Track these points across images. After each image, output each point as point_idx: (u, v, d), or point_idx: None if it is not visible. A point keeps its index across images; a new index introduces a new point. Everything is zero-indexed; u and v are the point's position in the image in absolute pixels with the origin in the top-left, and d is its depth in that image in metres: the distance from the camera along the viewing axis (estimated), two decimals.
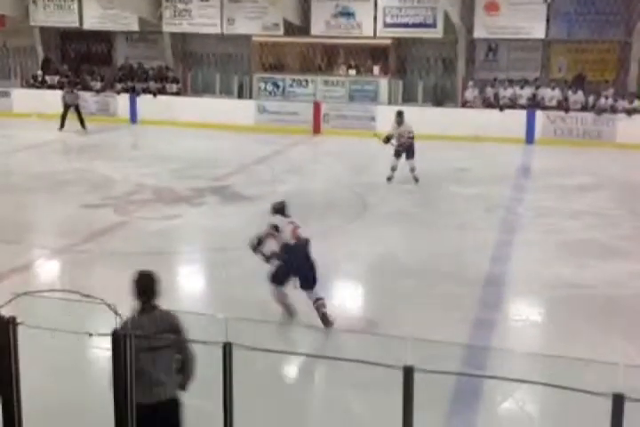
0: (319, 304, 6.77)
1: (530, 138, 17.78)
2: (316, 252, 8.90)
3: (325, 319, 6.71)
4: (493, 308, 7.38)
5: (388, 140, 12.91)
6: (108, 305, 4.45)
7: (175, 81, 21.17)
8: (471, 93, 19.01)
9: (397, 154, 12.92)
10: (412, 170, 12.87)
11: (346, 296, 7.97)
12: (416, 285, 7.87)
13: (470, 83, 19.29)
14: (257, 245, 6.92)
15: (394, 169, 12.92)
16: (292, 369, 6.24)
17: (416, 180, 12.85)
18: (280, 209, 7.11)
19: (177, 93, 20.84)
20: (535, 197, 12.28)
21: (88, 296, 4.85)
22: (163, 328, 4.17)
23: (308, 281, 6.83)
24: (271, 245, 6.94)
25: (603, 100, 17.68)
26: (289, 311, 6.92)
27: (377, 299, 7.79)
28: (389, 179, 12.95)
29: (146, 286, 4.29)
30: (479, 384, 5.58)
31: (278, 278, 6.84)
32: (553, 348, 6.15)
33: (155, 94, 20.39)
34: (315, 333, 6.68)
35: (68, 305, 6.41)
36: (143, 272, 4.38)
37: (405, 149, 12.86)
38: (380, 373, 3.71)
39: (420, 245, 9.36)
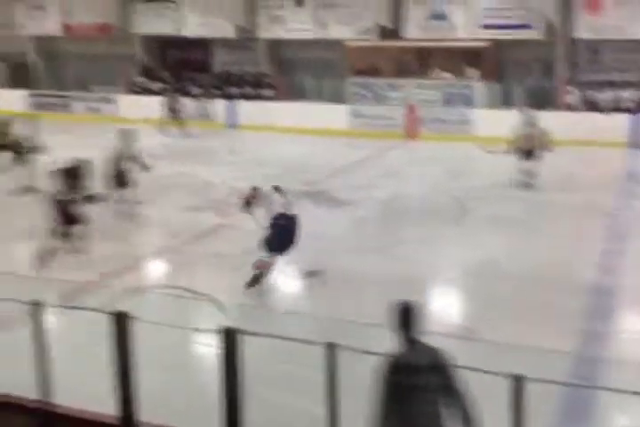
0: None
1: (636, 142, 17.07)
2: (415, 257, 8.87)
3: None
4: (600, 318, 7.10)
5: (512, 150, 12.50)
6: (215, 302, 4.54)
7: (270, 86, 21.50)
8: (572, 97, 18.44)
9: (522, 155, 12.52)
10: (530, 175, 12.49)
11: (445, 302, 7.85)
12: (518, 292, 7.66)
13: (571, 86, 18.70)
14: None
15: (523, 172, 12.62)
16: None
17: (528, 185, 12.45)
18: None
19: (272, 99, 21.14)
20: None
21: (196, 293, 4.99)
22: (427, 364, 3.78)
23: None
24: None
25: None
26: (258, 280, 7.39)
27: (477, 306, 7.63)
28: (525, 185, 12.58)
29: (408, 317, 3.91)
30: (588, 396, 5.36)
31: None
32: None
33: (252, 99, 20.75)
34: None
35: (177, 302, 6.63)
36: (405, 302, 3.99)
37: (527, 151, 12.44)
38: (478, 380, 3.62)
39: (522, 252, 9.11)
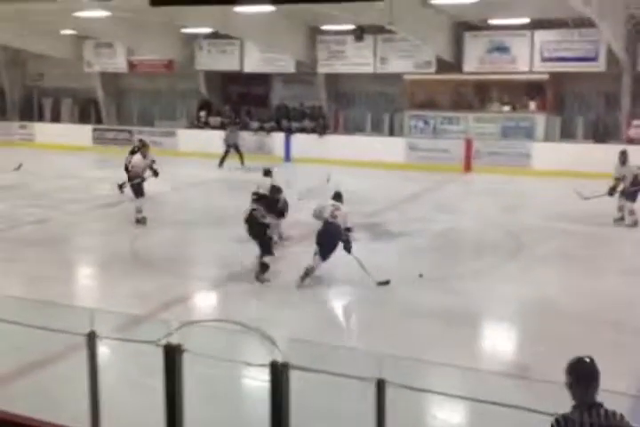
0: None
1: None
2: (468, 292, 8.77)
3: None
4: None
5: (612, 191, 12.44)
6: (267, 336, 4.57)
7: (328, 120, 21.77)
8: (636, 130, 18.08)
9: (622, 194, 12.44)
10: (631, 213, 12.31)
11: (499, 339, 7.71)
12: (576, 331, 7.45)
13: (635, 120, 18.35)
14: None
15: (621, 209, 12.49)
16: (444, 411, 6.07)
17: (634, 223, 12.25)
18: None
19: (329, 132, 21.36)
20: None
21: (248, 327, 5.02)
22: None
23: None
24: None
25: None
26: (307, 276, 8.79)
27: (532, 343, 7.45)
28: (618, 220, 12.49)
29: (589, 376, 3.47)
30: None
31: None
32: None
33: (317, 133, 21.01)
34: (467, 374, 6.49)
35: (229, 336, 6.69)
36: (585, 359, 3.57)
37: (629, 191, 12.36)
38: (530, 420, 3.54)
39: (580, 290, 8.89)
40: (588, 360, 3.55)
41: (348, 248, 8.98)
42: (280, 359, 4.35)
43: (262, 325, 4.62)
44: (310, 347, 6.43)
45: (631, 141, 18.05)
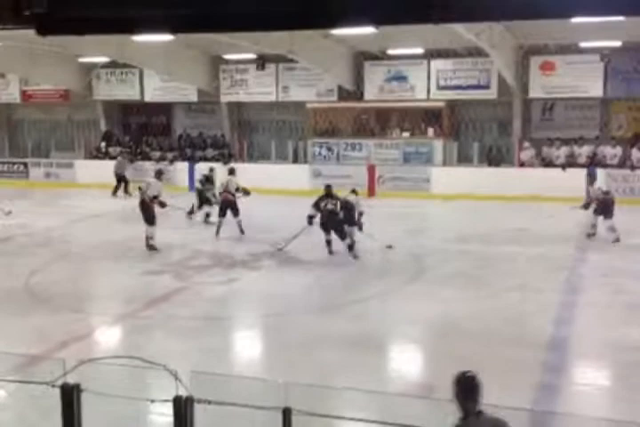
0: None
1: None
2: (374, 313, 8.89)
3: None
4: (558, 372, 7.11)
5: (587, 206, 13.36)
6: (170, 371, 4.48)
7: (231, 148, 21.75)
8: (527, 154, 18.93)
9: (596, 211, 13.16)
10: (611, 230, 12.91)
11: (405, 360, 7.82)
12: (476, 348, 7.67)
13: (526, 143, 19.23)
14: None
15: (594, 226, 13.26)
16: None
17: (617, 240, 12.82)
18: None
19: (233, 160, 21.25)
20: (599, 257, 11.98)
21: (150, 362, 4.91)
22: None
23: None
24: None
25: None
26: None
27: (436, 363, 7.60)
28: (589, 235, 13.27)
29: (472, 389, 3.95)
30: None
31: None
32: (620, 413, 5.89)
33: (220, 161, 20.87)
34: (371, 396, 6.54)
35: (131, 371, 6.51)
36: (468, 374, 4.07)
37: (601, 207, 13.07)
38: None
39: (480, 307, 9.17)
40: (470, 374, 4.03)
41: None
42: (184, 394, 4.27)
43: (165, 359, 4.54)
44: (214, 379, 6.33)
45: (522, 165, 18.88)
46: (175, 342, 8.03)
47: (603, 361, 7.54)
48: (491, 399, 6.16)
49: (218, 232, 13.95)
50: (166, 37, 14.06)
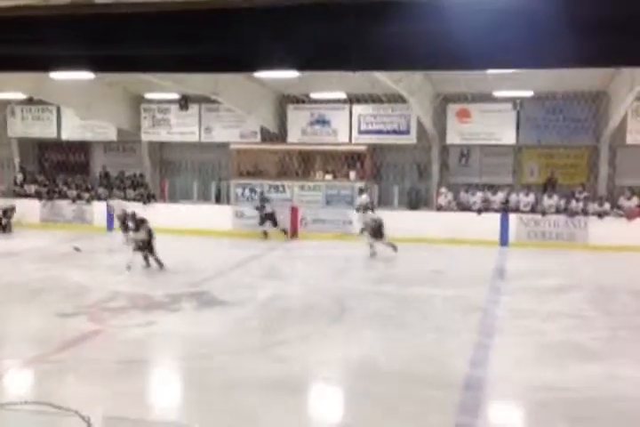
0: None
1: (504, 240, 18.10)
2: (294, 357, 8.88)
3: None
4: (473, 412, 7.23)
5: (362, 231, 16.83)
6: (82, 417, 4.35)
7: (148, 188, 21.50)
8: (444, 198, 19.46)
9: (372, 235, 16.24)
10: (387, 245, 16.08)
11: (324, 401, 7.80)
12: (394, 389, 7.73)
13: (443, 189, 19.77)
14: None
15: (372, 246, 16.17)
16: None
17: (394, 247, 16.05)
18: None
19: (154, 200, 21.02)
20: (511, 298, 12.34)
21: (60, 408, 4.75)
22: None
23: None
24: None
25: (574, 203, 18.17)
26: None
27: (355, 404, 7.62)
28: (372, 255, 16.11)
29: None
30: None
31: None
32: None
33: (140, 201, 20.61)
34: None
35: (42, 417, 6.26)
36: None
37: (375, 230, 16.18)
38: None
39: (398, 348, 9.27)
40: None
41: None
42: None
43: (78, 404, 4.39)
44: (129, 425, 6.16)
45: (440, 208, 19.38)
46: (88, 388, 7.77)
47: (517, 401, 7.71)
48: None
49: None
50: (86, 75, 13.94)
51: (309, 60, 4.24)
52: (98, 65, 4.71)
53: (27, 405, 5.67)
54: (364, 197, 18.78)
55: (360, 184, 20.03)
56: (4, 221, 19.61)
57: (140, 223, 14.47)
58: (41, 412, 6.33)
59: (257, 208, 19.38)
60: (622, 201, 18.15)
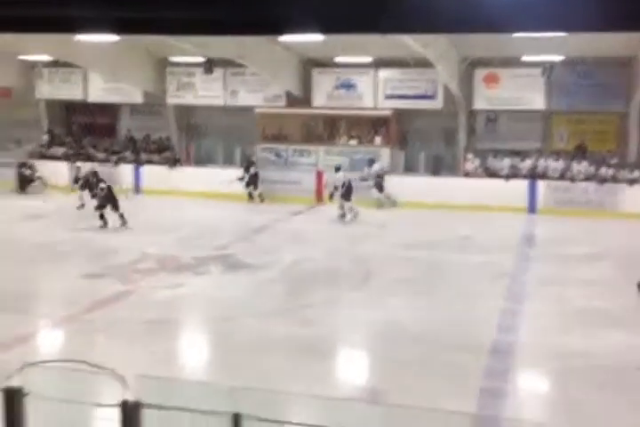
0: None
1: (532, 207, 17.91)
2: (320, 320, 8.93)
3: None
4: (500, 377, 7.28)
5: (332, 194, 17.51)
6: (117, 375, 4.41)
7: (174, 151, 21.52)
8: (471, 164, 19.26)
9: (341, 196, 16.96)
10: (350, 210, 16.78)
11: (351, 365, 7.87)
12: (421, 353, 7.79)
13: (470, 155, 19.56)
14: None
15: (341, 208, 16.81)
16: None
17: (355, 216, 16.82)
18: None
19: (179, 164, 21.02)
20: (539, 265, 12.29)
21: (96, 366, 4.81)
22: None
23: None
24: None
25: (604, 170, 17.90)
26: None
27: (382, 368, 7.69)
28: (341, 216, 16.75)
29: None
30: None
31: None
32: (561, 418, 6.05)
33: (167, 164, 20.67)
34: (321, 402, 6.57)
35: (76, 375, 6.37)
36: None
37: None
38: None
39: (425, 314, 9.30)
40: None
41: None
42: (131, 398, 4.21)
43: (111, 362, 4.47)
44: (162, 383, 6.26)
45: (467, 175, 19.19)
46: (120, 347, 7.90)
47: (543, 366, 7.73)
48: (434, 403, 6.28)
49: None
50: (111, 38, 13.85)
51: (337, 23, 4.15)
52: (122, 27, 4.65)
53: (62, 363, 5.78)
54: (377, 166, 18.82)
55: (385, 149, 19.90)
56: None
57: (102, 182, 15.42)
58: (75, 369, 6.44)
59: (244, 169, 19.44)
60: None
